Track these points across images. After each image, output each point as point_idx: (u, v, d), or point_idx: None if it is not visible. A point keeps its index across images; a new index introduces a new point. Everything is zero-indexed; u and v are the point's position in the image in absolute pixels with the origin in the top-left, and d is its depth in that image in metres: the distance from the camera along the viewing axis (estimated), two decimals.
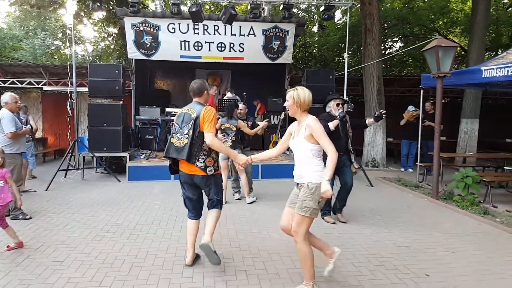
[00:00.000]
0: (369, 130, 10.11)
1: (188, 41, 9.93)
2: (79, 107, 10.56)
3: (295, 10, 17.04)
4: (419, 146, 8.45)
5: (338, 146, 4.10)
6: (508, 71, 5.95)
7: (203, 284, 3.21)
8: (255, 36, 10.08)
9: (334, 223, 5.02)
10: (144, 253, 3.88)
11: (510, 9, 16.58)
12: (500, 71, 6.12)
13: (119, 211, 5.52)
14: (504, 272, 3.60)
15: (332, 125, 4.71)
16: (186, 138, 3.28)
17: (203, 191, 3.56)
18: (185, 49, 9.97)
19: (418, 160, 8.13)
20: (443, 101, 14.04)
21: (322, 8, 9.02)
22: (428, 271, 3.61)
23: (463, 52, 15.12)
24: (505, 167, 7.32)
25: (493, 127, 12.67)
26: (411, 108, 9.13)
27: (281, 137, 10.21)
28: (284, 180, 7.97)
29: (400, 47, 18.58)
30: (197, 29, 9.81)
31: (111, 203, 5.95)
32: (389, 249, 4.15)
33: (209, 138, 3.26)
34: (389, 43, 19.46)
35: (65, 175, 7.99)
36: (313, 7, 18.63)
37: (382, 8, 15.40)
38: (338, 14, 18.00)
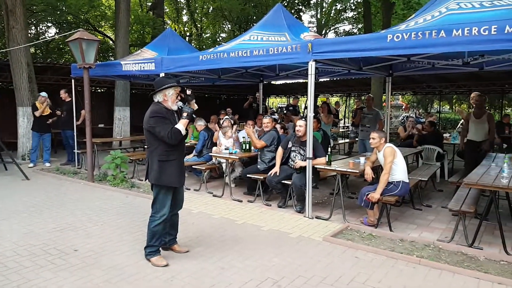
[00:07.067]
0: (23, 120, 9.38)
1: None
2: None
3: None
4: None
5: None
6: (141, 66, 7.19)
7: None
8: None
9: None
10: None
11: (149, 12, 19.39)
12: (135, 66, 7.30)
13: None
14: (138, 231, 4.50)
15: None
16: None
17: None
18: None
19: (76, 148, 8.39)
20: (100, 90, 14.99)
21: None
22: (77, 246, 4.00)
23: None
24: None
25: (143, 113, 14.65)
26: (43, 93, 8.81)
27: None
28: None
29: (55, 33, 17.85)
30: None
31: None
32: (40, 237, 4.25)
33: None
34: (43, 28, 18.35)
35: None
36: None
37: None
38: None
